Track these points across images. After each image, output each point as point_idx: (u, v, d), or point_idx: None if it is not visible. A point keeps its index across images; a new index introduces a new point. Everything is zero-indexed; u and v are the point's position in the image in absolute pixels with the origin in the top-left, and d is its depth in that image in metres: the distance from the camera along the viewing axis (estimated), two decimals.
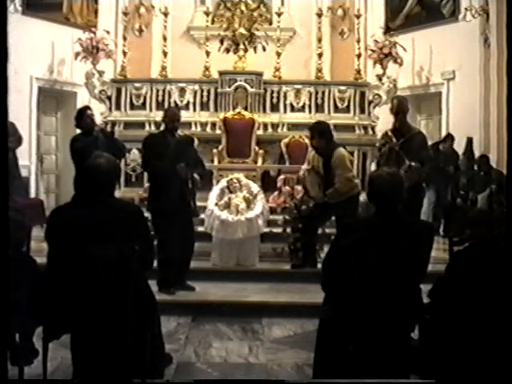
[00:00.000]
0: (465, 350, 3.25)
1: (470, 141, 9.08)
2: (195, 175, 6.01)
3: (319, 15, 10.00)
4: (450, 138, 9.31)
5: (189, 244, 6.03)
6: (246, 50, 9.45)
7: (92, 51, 9.47)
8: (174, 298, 5.74)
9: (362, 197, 6.56)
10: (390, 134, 6.31)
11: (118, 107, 9.33)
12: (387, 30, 10.28)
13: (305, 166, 6.77)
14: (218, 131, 9.03)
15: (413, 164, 5.91)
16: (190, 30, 10.84)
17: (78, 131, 6.88)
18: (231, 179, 7.14)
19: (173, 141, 6.04)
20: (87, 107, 6.98)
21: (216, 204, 6.90)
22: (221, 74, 9.32)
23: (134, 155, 8.68)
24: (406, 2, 10.53)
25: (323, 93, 9.38)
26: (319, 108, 9.34)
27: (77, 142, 6.49)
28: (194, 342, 4.84)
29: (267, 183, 8.30)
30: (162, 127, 6.44)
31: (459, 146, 9.21)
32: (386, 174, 3.49)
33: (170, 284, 5.89)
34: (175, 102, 9.22)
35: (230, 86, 9.18)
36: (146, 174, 8.52)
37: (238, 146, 8.88)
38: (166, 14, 9.80)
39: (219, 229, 6.72)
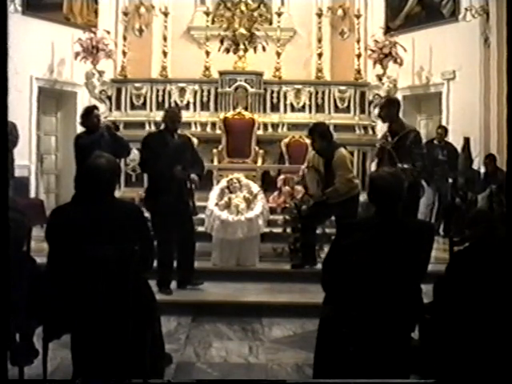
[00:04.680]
0: (465, 350, 3.25)
1: (467, 141, 9.08)
2: (193, 176, 5.99)
3: (319, 15, 10.01)
4: (441, 128, 9.36)
5: (189, 243, 6.02)
6: (246, 50, 9.46)
7: (92, 51, 9.48)
8: (174, 298, 5.74)
9: (362, 197, 6.56)
10: (387, 133, 6.31)
11: (118, 107, 9.35)
12: (387, 30, 10.28)
13: (304, 166, 6.78)
14: (218, 131, 9.04)
15: (405, 166, 5.88)
16: (190, 29, 10.83)
17: (79, 131, 6.87)
18: (231, 179, 7.14)
19: (171, 141, 6.03)
20: (95, 107, 6.97)
21: (216, 204, 6.90)
22: (221, 73, 9.33)
23: (134, 155, 8.65)
24: (406, 2, 10.52)
25: (323, 93, 9.39)
26: (319, 108, 9.36)
27: (81, 139, 6.47)
28: (194, 342, 4.83)
29: (267, 183, 8.29)
30: (162, 127, 6.42)
31: (459, 146, 9.21)
32: (387, 174, 3.49)
33: (170, 284, 5.90)
34: (175, 101, 9.23)
35: (230, 86, 9.19)
36: (146, 174, 8.57)
37: (238, 146, 8.89)
38: (166, 14, 9.81)
39: (219, 229, 6.72)
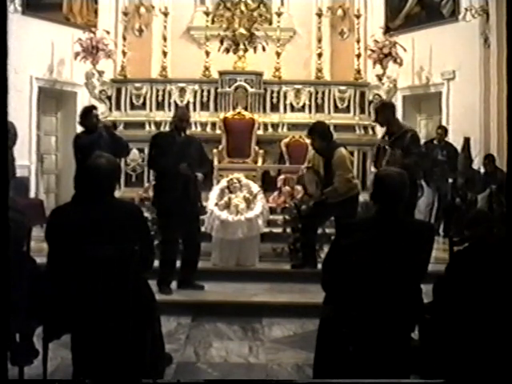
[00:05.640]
0: (465, 350, 3.25)
1: (466, 141, 9.08)
2: (198, 174, 6.01)
3: (319, 15, 10.02)
4: (441, 128, 9.38)
5: (194, 244, 6.03)
6: (245, 50, 9.46)
7: (92, 51, 9.48)
8: (174, 297, 5.74)
9: (362, 197, 6.56)
10: (385, 135, 6.33)
11: (118, 107, 9.36)
12: (387, 30, 10.28)
13: (303, 167, 6.79)
14: (218, 131, 9.04)
15: (398, 152, 5.90)
16: (190, 29, 10.84)
17: (79, 130, 6.87)
18: (231, 179, 7.13)
19: (178, 139, 6.05)
20: (93, 107, 6.97)
21: (216, 204, 6.90)
22: (221, 74, 9.33)
23: (134, 155, 8.69)
24: (406, 2, 10.53)
25: (323, 93, 9.40)
26: (319, 108, 9.37)
27: (80, 139, 6.49)
28: (194, 342, 4.83)
29: (267, 183, 8.30)
30: (168, 127, 6.44)
31: (459, 146, 9.21)
32: (395, 173, 3.47)
33: (170, 284, 5.90)
34: (175, 102, 9.24)
35: (230, 86, 9.20)
36: (146, 174, 8.59)
37: (238, 145, 8.89)
38: (166, 14, 9.82)
39: (219, 229, 6.72)
